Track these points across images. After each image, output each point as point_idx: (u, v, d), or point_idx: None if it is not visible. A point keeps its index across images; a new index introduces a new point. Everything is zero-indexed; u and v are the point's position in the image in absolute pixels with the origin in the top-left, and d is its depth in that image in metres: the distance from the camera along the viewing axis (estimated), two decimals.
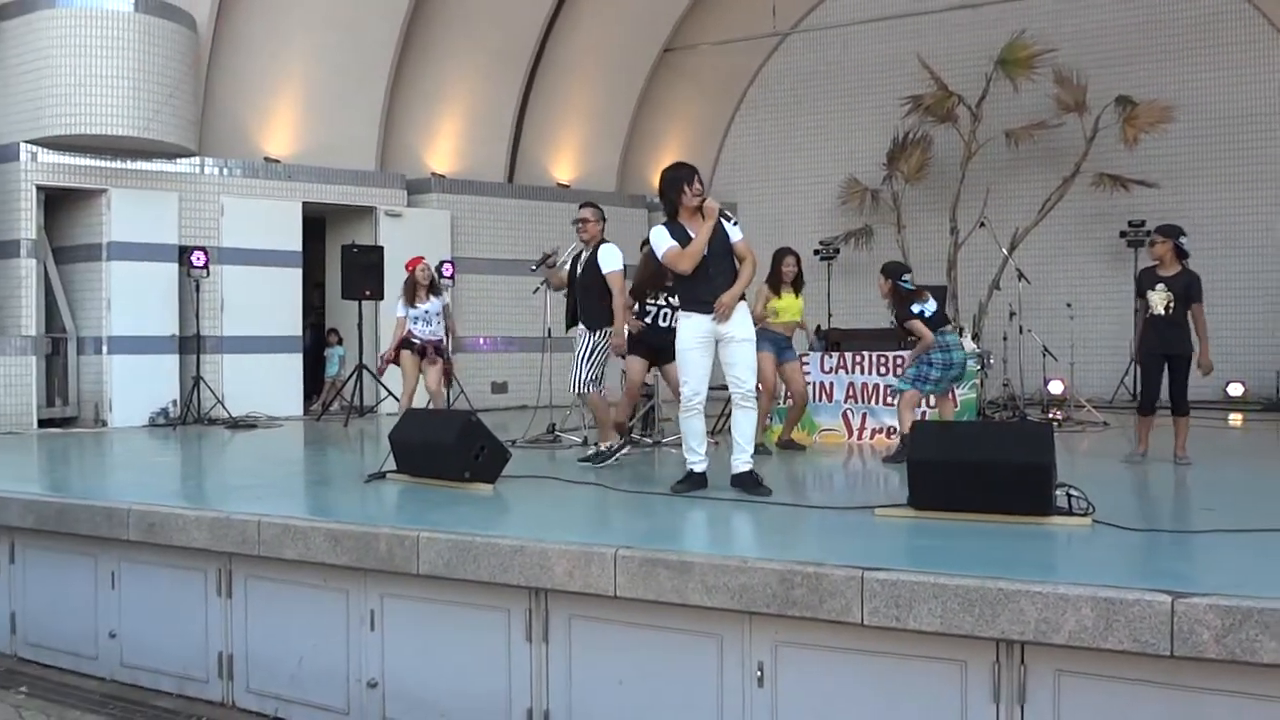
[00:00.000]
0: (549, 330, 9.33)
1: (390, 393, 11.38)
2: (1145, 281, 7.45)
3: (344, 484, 6.89)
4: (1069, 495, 4.87)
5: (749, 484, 5.86)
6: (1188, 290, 7.25)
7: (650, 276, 7.95)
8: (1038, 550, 4.37)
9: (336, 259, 12.69)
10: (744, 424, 5.91)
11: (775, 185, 16.59)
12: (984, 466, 4.79)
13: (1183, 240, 7.36)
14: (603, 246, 7.51)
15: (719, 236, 5.82)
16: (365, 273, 12.04)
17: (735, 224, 5.96)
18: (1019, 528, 4.70)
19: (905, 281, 7.92)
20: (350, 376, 12.11)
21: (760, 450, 8.40)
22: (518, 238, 14.32)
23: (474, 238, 14.25)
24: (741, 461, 5.93)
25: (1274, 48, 13.99)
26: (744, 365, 5.82)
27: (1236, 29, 14.16)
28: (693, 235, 5.80)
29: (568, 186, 15.49)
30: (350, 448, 9.52)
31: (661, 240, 5.87)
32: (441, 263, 12.90)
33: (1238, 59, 14.11)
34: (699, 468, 6.04)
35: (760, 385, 8.27)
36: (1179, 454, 7.39)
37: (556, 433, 9.13)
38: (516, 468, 6.80)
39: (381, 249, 12.43)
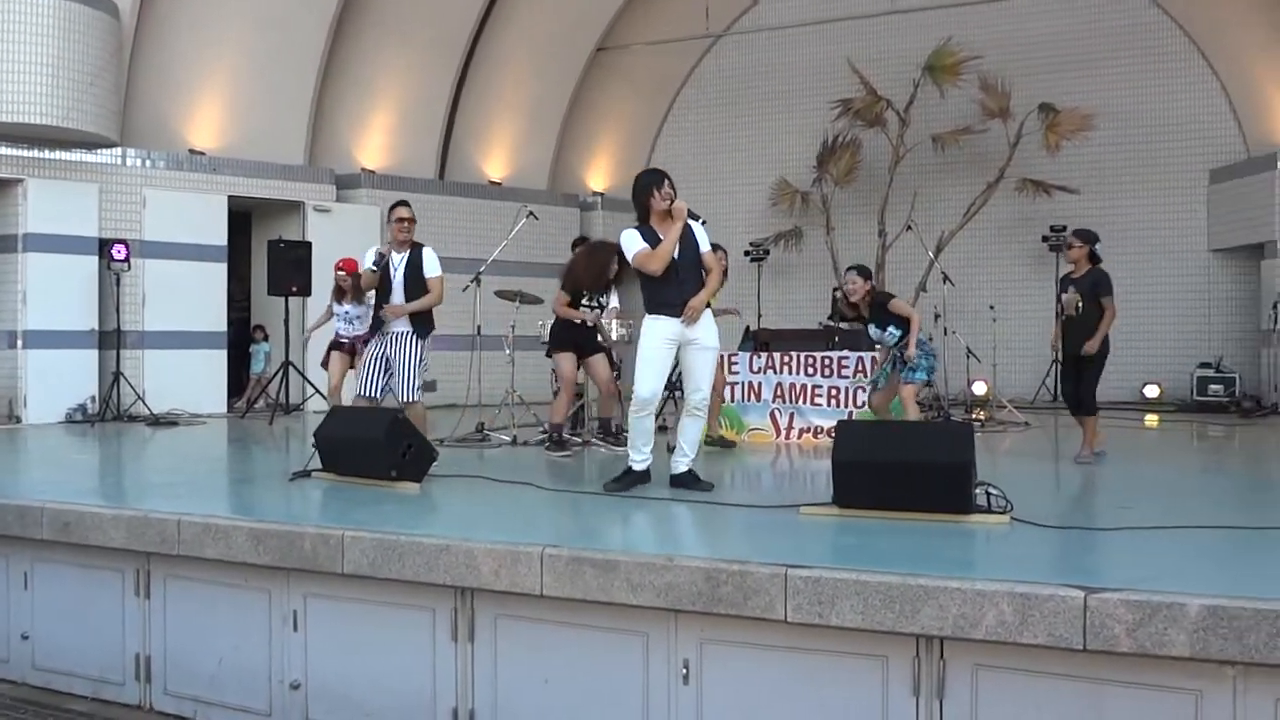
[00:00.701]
0: (479, 328, 9.26)
1: (317, 390, 11.24)
2: (1064, 285, 7.71)
3: (268, 482, 6.78)
4: (988, 494, 4.97)
5: (690, 482, 5.97)
6: (1094, 288, 7.50)
7: (595, 275, 7.97)
8: (957, 547, 4.45)
9: (263, 254, 12.47)
10: (691, 430, 6.03)
11: (707, 186, 16.66)
12: (906, 466, 4.87)
13: (1097, 246, 7.60)
14: (426, 251, 7.32)
15: (689, 242, 5.89)
16: (292, 268, 11.86)
17: (703, 223, 6.11)
18: (940, 525, 4.79)
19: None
20: (276, 374, 11.92)
21: (723, 443, 8.54)
22: (448, 235, 14.18)
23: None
24: (683, 463, 6.02)
25: (1189, 59, 14.41)
26: (703, 373, 5.93)
27: (1154, 40, 14.56)
28: (663, 238, 5.84)
29: (500, 184, 15.42)
30: (275, 446, 9.38)
31: (632, 242, 5.87)
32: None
33: (1155, 69, 14.52)
34: (640, 466, 6.06)
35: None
36: (1082, 454, 7.57)
37: (485, 432, 9.08)
38: (444, 467, 6.77)
39: (309, 244, 12.25)
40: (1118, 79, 14.60)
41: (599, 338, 8.28)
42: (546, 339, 8.85)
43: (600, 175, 16.96)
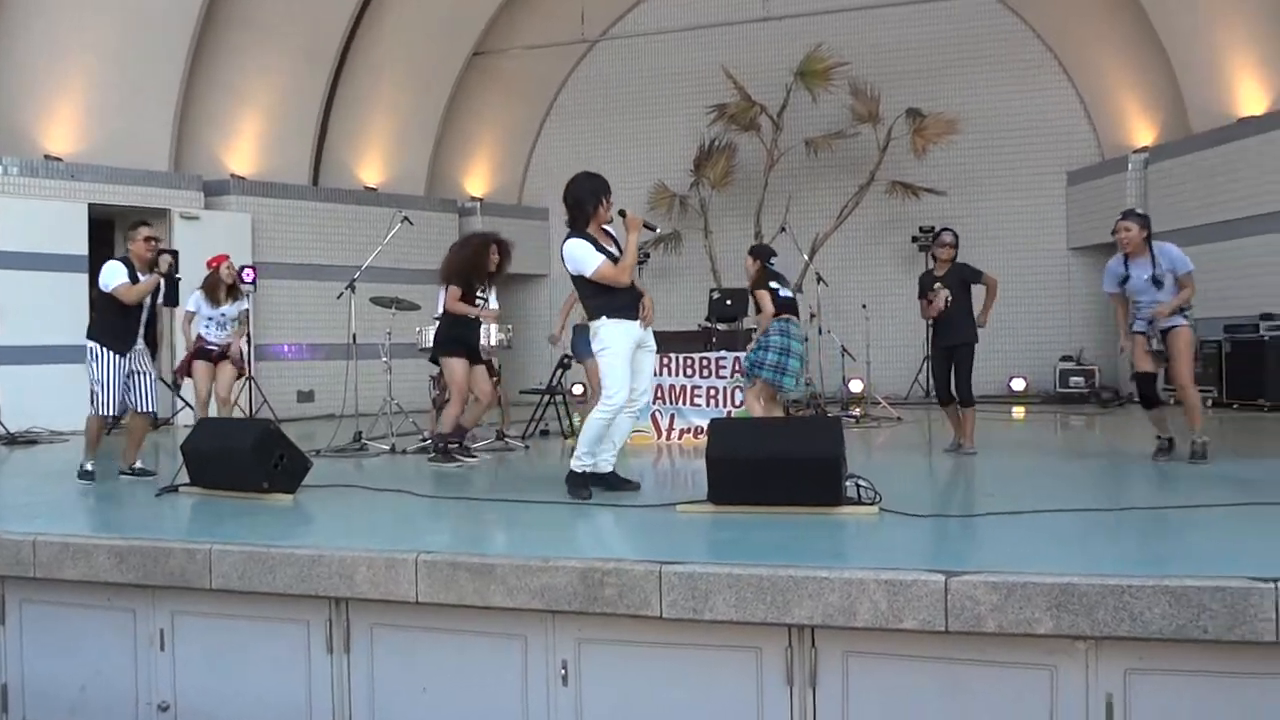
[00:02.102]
0: (354, 336, 9.11)
1: (186, 403, 10.88)
2: (926, 283, 7.96)
3: (133, 499, 6.54)
4: (858, 486, 5.11)
5: (617, 483, 6.00)
6: (961, 277, 7.80)
7: (473, 260, 7.85)
8: (828, 538, 4.56)
9: None
10: (626, 428, 6.04)
11: None
12: (778, 461, 4.97)
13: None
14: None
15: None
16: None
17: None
18: (812, 518, 4.90)
19: (771, 264, 8.24)
20: None
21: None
22: (323, 242, 13.94)
23: (277, 242, 13.77)
24: (606, 461, 6.03)
25: (1047, 66, 15.03)
26: (648, 375, 6.06)
27: (1015, 48, 15.15)
28: (607, 247, 5.84)
29: (376, 190, 15.17)
30: (143, 462, 9.03)
31: (588, 256, 5.78)
32: (243, 267, 12.40)
33: (1016, 76, 15.10)
34: (594, 468, 6.00)
35: (592, 388, 8.45)
36: (965, 444, 7.85)
37: (363, 441, 8.93)
38: (320, 477, 6.64)
39: (176, 253, 11.83)
40: (981, 85, 15.14)
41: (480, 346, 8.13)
42: (427, 344, 8.71)
43: (478, 180, 16.85)
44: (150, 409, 7.37)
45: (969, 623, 3.61)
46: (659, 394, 9.28)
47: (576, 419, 9.74)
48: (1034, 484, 6.50)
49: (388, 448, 8.76)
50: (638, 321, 5.85)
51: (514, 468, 7.90)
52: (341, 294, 9.02)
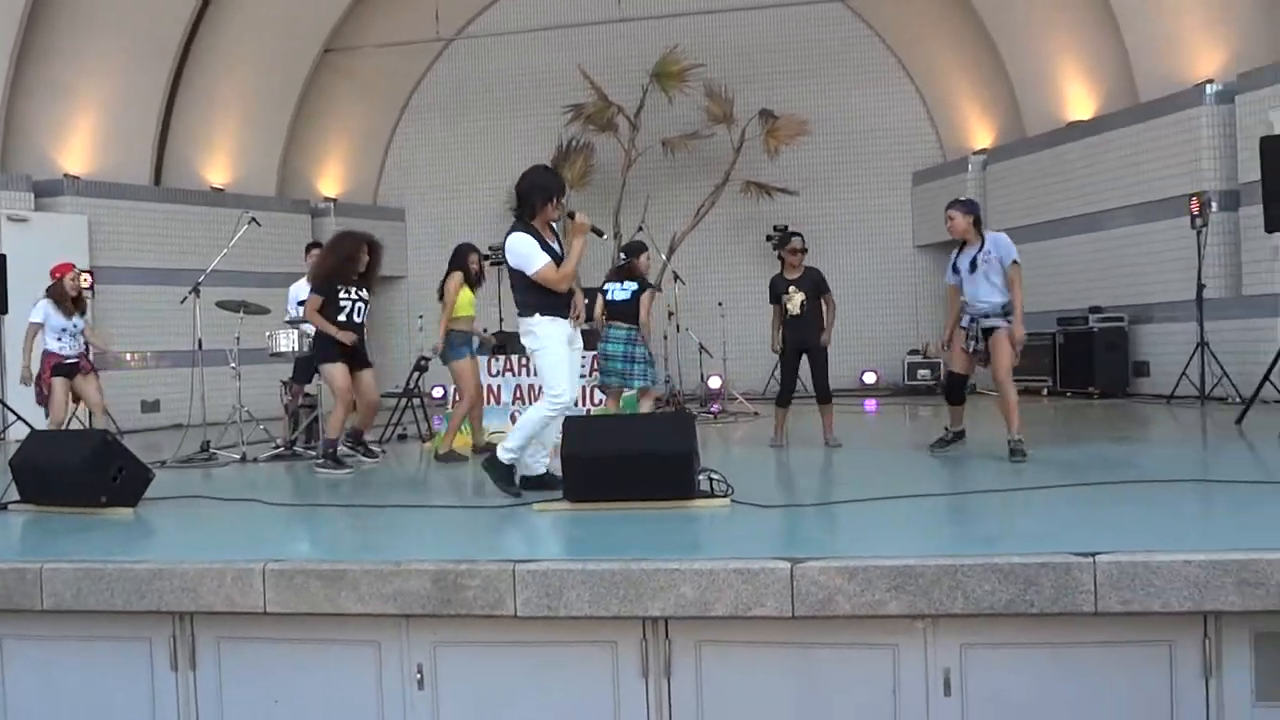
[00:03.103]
0: (200, 342, 8.80)
1: (19, 417, 10.31)
2: (779, 287, 8.12)
3: None
4: (710, 479, 5.21)
5: (553, 482, 5.77)
6: (817, 286, 8.00)
7: (343, 262, 7.69)
8: (681, 531, 4.65)
9: None
10: (555, 430, 5.87)
11: (442, 191, 16.53)
12: (632, 457, 5.03)
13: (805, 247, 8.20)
14: None
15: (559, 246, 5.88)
16: None
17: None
18: (666, 512, 4.97)
19: (622, 261, 8.27)
20: None
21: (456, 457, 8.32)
22: (167, 245, 13.40)
23: (116, 245, 13.17)
24: (539, 463, 5.95)
25: (892, 70, 15.56)
26: (575, 373, 5.99)
27: (862, 53, 15.62)
28: (552, 245, 5.78)
29: (223, 190, 14.67)
30: None
31: (533, 254, 5.68)
32: (79, 271, 11.84)
33: (863, 79, 15.57)
34: (540, 469, 5.95)
35: (461, 391, 8.32)
36: (829, 437, 8.05)
37: (212, 450, 8.64)
38: (166, 489, 6.40)
39: (3, 257, 11.25)
40: (831, 88, 15.56)
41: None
42: (279, 349, 8.51)
43: (331, 180, 16.47)
44: None
45: (814, 607, 3.73)
46: (517, 394, 9.27)
47: (438, 422, 9.63)
48: (880, 472, 6.73)
49: (238, 457, 8.50)
50: (568, 320, 5.83)
51: (371, 472, 7.76)
52: (185, 298, 8.70)
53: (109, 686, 4.42)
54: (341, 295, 7.74)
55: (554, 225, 5.99)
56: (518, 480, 5.85)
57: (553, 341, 5.74)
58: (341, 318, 7.72)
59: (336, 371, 7.63)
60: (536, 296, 5.76)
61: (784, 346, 8.13)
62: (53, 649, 4.49)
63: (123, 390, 12.79)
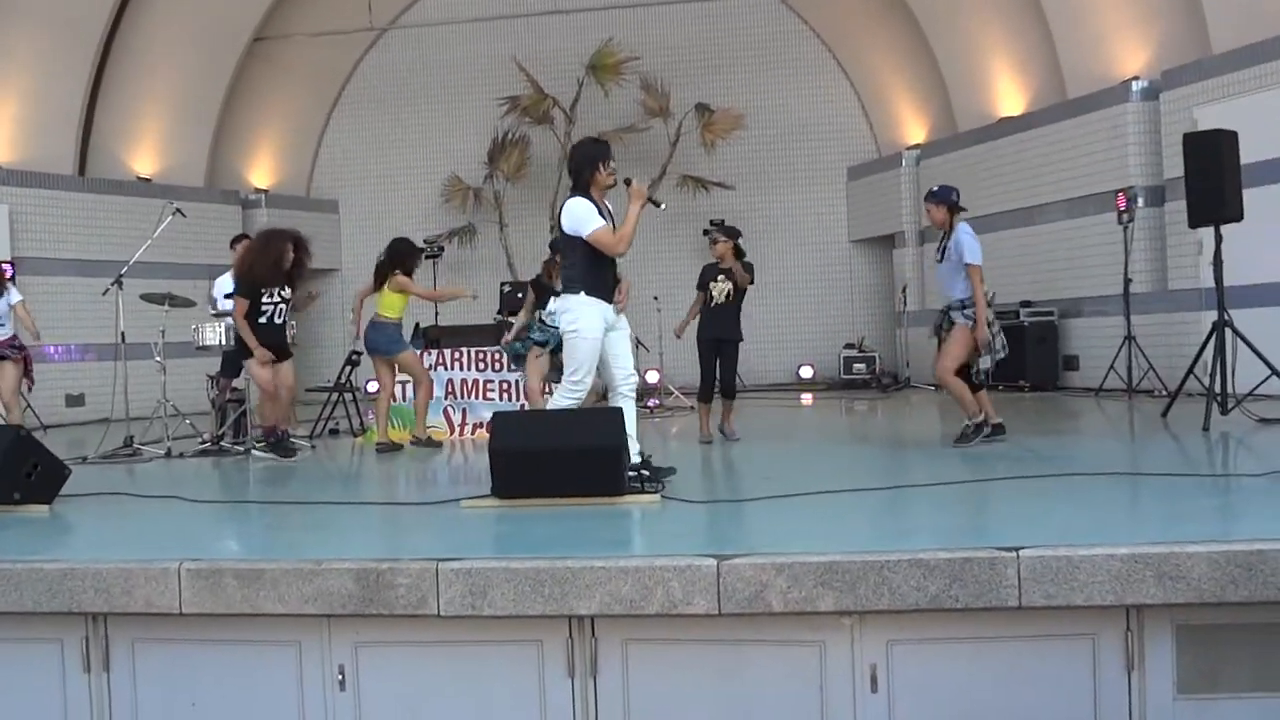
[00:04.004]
0: (123, 335, 8.56)
1: None
2: (708, 275, 8.10)
3: None
4: (641, 475, 5.17)
5: (654, 471, 5.44)
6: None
7: (271, 265, 7.65)
8: (611, 528, 4.61)
9: None
10: (632, 413, 5.59)
11: (377, 183, 16.31)
12: (560, 452, 4.98)
13: (740, 240, 8.11)
14: None
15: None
16: None
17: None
18: (596, 508, 4.93)
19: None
20: None
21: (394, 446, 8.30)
22: (91, 235, 13.06)
23: (39, 236, 12.81)
24: (634, 451, 5.48)
25: (827, 66, 15.66)
26: (628, 354, 5.72)
27: (797, 48, 15.71)
28: (611, 210, 5.49)
29: (150, 180, 14.32)
30: None
31: (589, 216, 5.43)
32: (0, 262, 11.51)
33: (799, 74, 15.66)
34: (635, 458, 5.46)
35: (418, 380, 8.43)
36: (728, 430, 8.05)
37: (136, 445, 8.42)
38: (86, 485, 6.23)
39: None
40: (767, 83, 15.62)
41: (289, 341, 8.06)
42: (204, 343, 8.42)
43: (263, 172, 16.16)
44: None
45: (742, 604, 3.71)
46: (450, 389, 9.17)
47: (369, 417, 9.51)
48: (812, 467, 6.75)
49: (163, 452, 8.29)
50: (612, 305, 5.56)
51: (300, 468, 7.62)
52: (107, 290, 8.46)
53: (18, 689, 4.27)
54: (264, 299, 7.78)
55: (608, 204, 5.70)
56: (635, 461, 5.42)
57: (587, 325, 5.44)
58: (263, 320, 7.79)
59: (256, 370, 7.75)
60: (584, 272, 5.50)
61: (700, 336, 8.06)
62: None
63: (46, 384, 12.43)
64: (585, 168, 5.55)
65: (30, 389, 8.83)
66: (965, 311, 6.93)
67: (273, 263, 7.75)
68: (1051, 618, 3.69)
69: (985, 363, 6.97)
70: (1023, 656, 3.76)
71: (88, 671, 4.22)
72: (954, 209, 7.10)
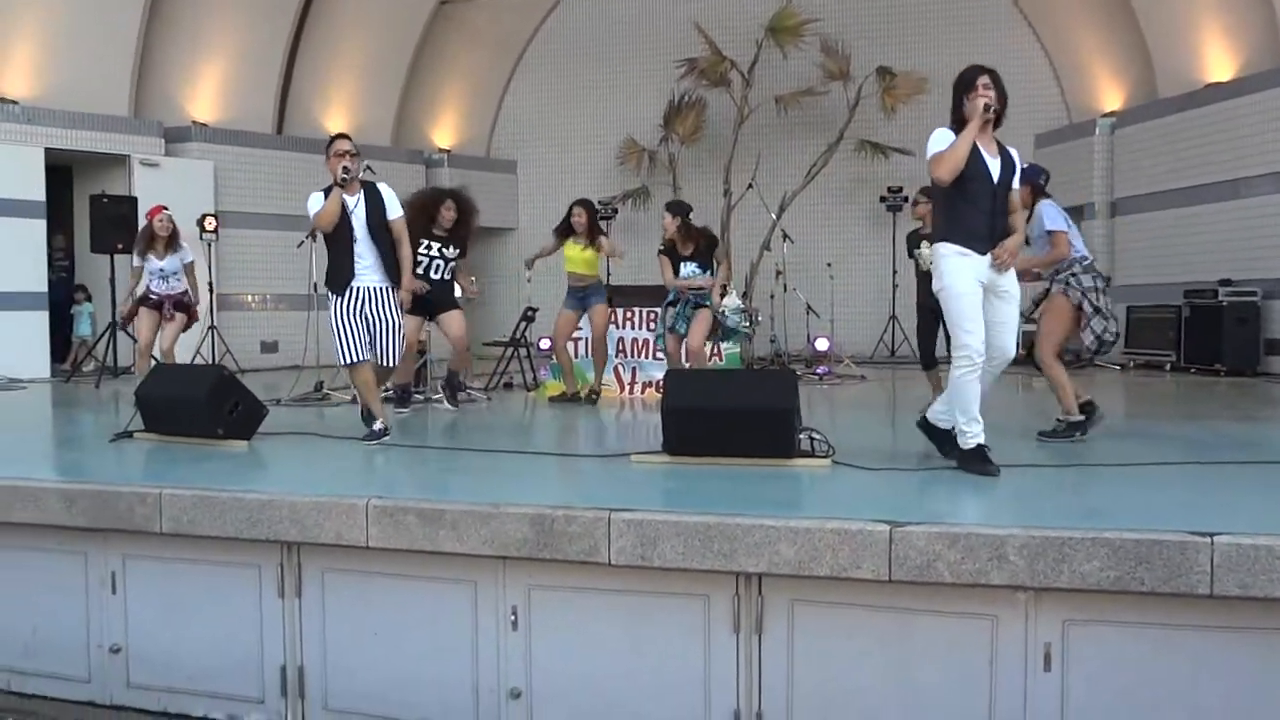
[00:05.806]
0: (315, 286, 9.00)
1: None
2: (913, 241, 7.81)
3: (87, 445, 6.51)
4: (811, 439, 5.14)
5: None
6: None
7: (414, 217, 7.75)
8: (780, 489, 4.60)
9: (86, 210, 11.83)
10: (985, 390, 4.95)
11: (554, 144, 16.57)
12: (732, 412, 4.99)
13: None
14: (384, 189, 6.47)
15: (1008, 163, 4.99)
16: (117, 225, 11.24)
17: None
18: (765, 470, 4.93)
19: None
20: (102, 335, 11.37)
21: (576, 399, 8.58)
22: (287, 191, 13.73)
23: (239, 191, 13.59)
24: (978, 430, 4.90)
25: (1017, 27, 15.00)
26: (1010, 330, 4.89)
27: (986, 8, 15.10)
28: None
29: None
30: (100, 409, 8.97)
31: (937, 138, 4.89)
32: (204, 215, 12.26)
33: (985, 36, 15.03)
34: (982, 438, 4.88)
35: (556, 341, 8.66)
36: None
37: (325, 390, 8.88)
38: (279, 425, 6.62)
39: (134, 200, 11.65)
40: (952, 45, 15.05)
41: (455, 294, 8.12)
42: None
43: (446, 132, 16.66)
44: (386, 361, 6.36)
45: (913, 572, 3.66)
46: (620, 348, 9.29)
47: (544, 373, 9.74)
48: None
49: (350, 398, 8.71)
50: (986, 257, 4.75)
51: (476, 418, 7.89)
52: (302, 243, 8.90)
53: (220, 608, 4.61)
54: (420, 249, 7.72)
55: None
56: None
57: (955, 280, 4.71)
58: (418, 271, 7.63)
59: (411, 322, 7.46)
60: (945, 218, 4.88)
61: (919, 302, 7.66)
62: (169, 570, 4.69)
63: (243, 331, 13.25)
64: (957, 91, 5.00)
65: (187, 327, 9.18)
66: (1058, 277, 6.34)
67: (428, 218, 7.87)
68: (1245, 609, 3.50)
69: (1088, 338, 6.40)
70: (1211, 648, 3.58)
71: (281, 596, 4.51)
72: (1038, 191, 6.60)
